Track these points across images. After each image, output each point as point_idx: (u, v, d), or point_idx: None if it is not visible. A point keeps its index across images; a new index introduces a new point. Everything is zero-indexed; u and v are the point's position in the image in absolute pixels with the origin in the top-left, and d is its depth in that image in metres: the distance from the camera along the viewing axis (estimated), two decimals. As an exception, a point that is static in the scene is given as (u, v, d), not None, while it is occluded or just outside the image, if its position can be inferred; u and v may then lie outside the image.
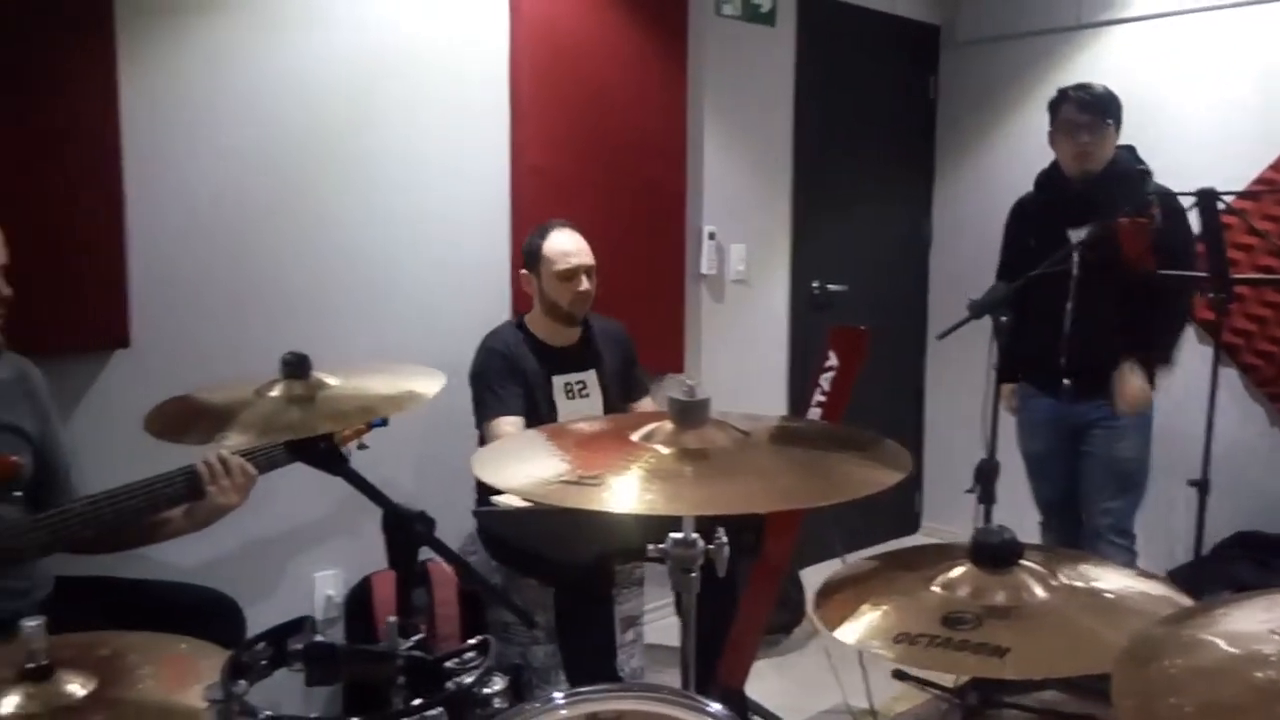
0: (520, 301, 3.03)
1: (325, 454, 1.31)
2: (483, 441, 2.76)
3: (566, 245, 2.76)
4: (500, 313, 3.07)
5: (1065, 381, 2.95)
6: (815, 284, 4.09)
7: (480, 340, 2.80)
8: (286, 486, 2.37)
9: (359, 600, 2.81)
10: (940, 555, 1.25)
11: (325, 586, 2.85)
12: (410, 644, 1.17)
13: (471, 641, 1.16)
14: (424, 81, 2.90)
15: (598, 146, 3.24)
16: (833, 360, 2.32)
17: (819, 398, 2.35)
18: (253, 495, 2.23)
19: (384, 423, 2.43)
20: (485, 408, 2.69)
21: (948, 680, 2.76)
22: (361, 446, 2.40)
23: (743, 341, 3.83)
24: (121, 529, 2.01)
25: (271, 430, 1.28)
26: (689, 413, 1.28)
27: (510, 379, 2.71)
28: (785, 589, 3.39)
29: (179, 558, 2.39)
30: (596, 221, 3.07)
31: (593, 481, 1.19)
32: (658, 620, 3.39)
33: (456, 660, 1.14)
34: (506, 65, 3.06)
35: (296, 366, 1.29)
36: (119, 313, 2.40)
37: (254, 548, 2.68)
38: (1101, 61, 3.90)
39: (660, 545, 1.42)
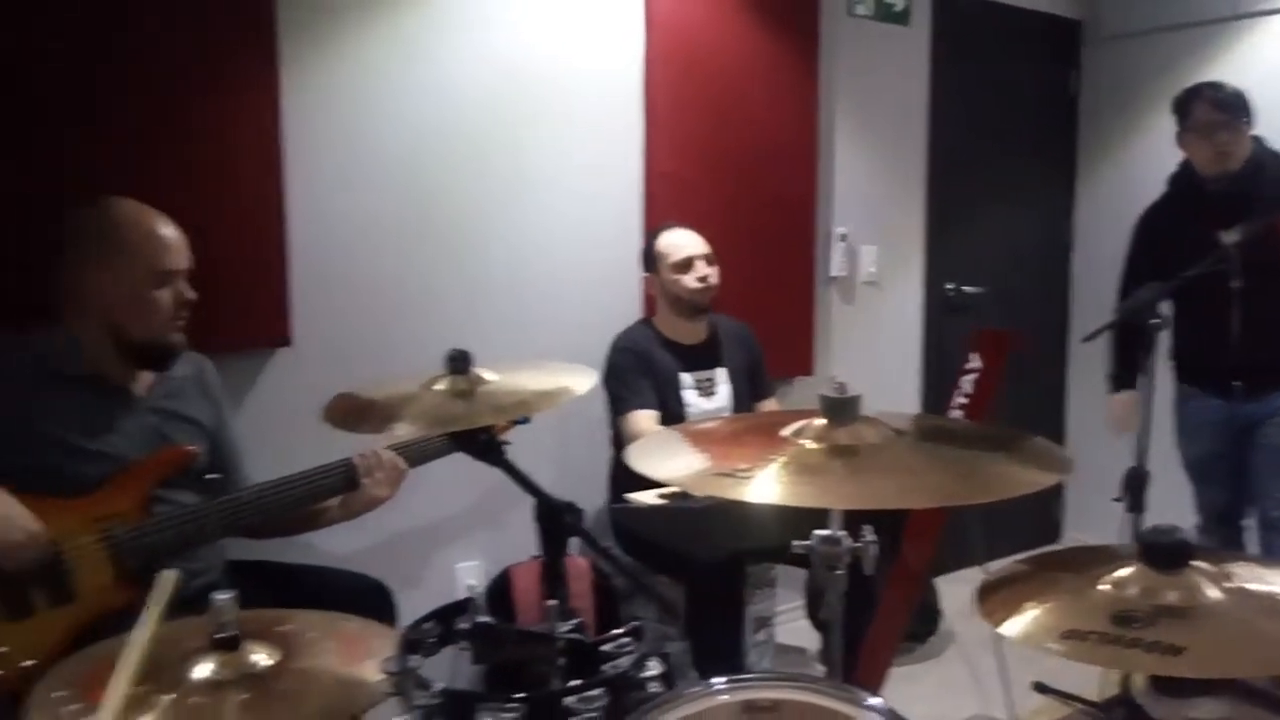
0: (650, 305, 3.08)
1: (485, 445, 1.37)
2: (617, 437, 2.82)
3: (677, 238, 2.85)
4: (631, 315, 3.12)
5: (1236, 383, 2.90)
6: (950, 286, 4.01)
7: (611, 341, 2.87)
8: (433, 480, 2.48)
9: (499, 591, 2.88)
10: (1102, 556, 1.22)
11: (466, 577, 2.95)
12: (569, 627, 1.21)
13: (626, 627, 1.19)
14: (564, 90, 2.98)
15: (728, 150, 3.26)
16: (976, 362, 2.29)
17: (960, 400, 2.32)
18: (401, 488, 2.34)
19: (526, 420, 2.51)
20: (621, 402, 2.76)
21: (1092, 694, 2.66)
22: (504, 443, 2.48)
23: (874, 344, 3.79)
24: (284, 516, 2.14)
25: (437, 422, 1.35)
26: (840, 409, 1.29)
27: (642, 375, 2.78)
28: (922, 595, 3.33)
29: (335, 545, 2.52)
30: (726, 225, 3.10)
31: (745, 474, 1.21)
32: (789, 622, 3.39)
33: (613, 645, 1.17)
34: (641, 73, 3.11)
35: (459, 362, 1.35)
36: (281, 313, 2.55)
37: (401, 538, 2.80)
38: (1261, 53, 3.70)
39: (805, 542, 1.43)
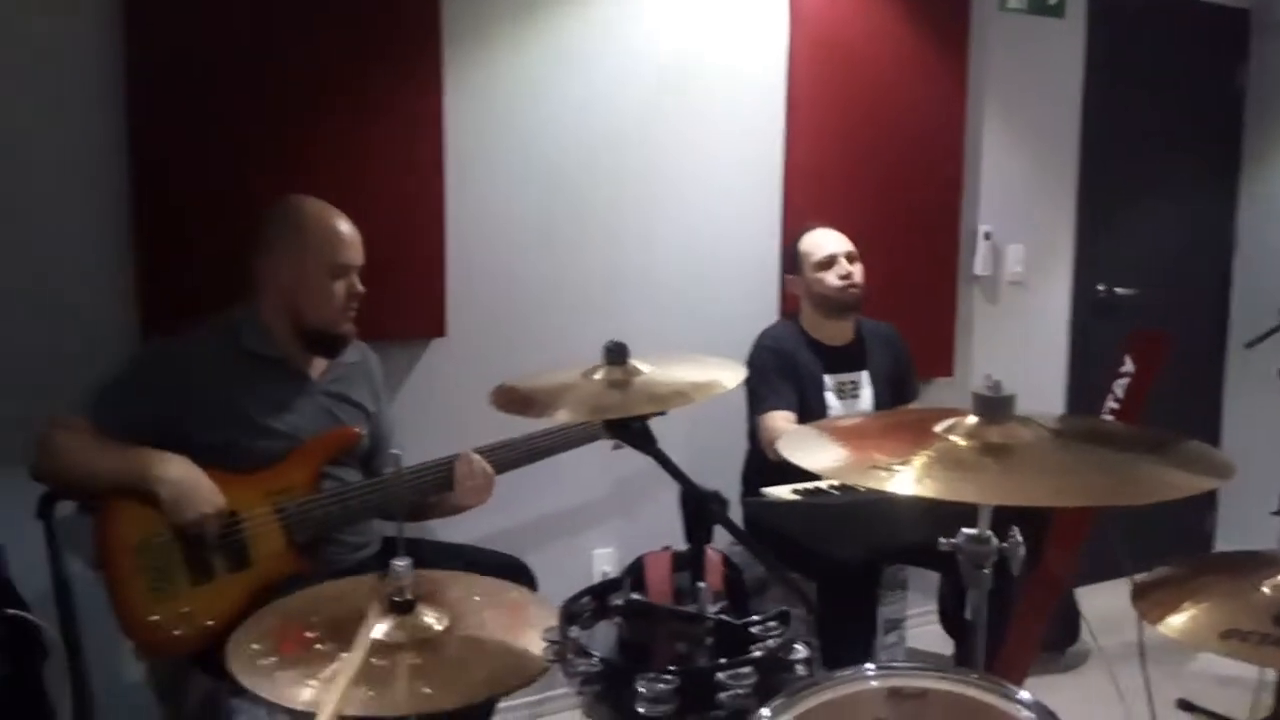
0: (787, 302, 3.10)
1: (638, 433, 1.43)
2: (753, 433, 2.85)
3: (820, 238, 2.84)
4: (768, 311, 3.15)
5: None
6: (1101, 286, 3.87)
7: (754, 337, 2.88)
8: (572, 469, 2.57)
9: (633, 578, 2.97)
10: (1261, 561, 1.19)
11: (601, 563, 3.04)
12: (717, 609, 1.26)
13: (774, 612, 1.23)
14: (707, 87, 3.03)
15: (872, 146, 3.24)
16: (1129, 366, 2.22)
17: (1112, 404, 2.26)
18: (542, 475, 2.44)
19: (663, 412, 2.58)
20: (760, 401, 2.76)
21: (1241, 716, 2.55)
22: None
23: (1018, 345, 3.70)
24: (404, 502, 2.22)
25: (596, 410, 1.43)
26: (993, 408, 1.29)
27: (783, 375, 2.78)
28: (1061, 604, 3.24)
29: (480, 525, 2.64)
30: (868, 222, 3.08)
31: (896, 466, 1.23)
32: (919, 626, 3.35)
33: (760, 628, 1.21)
34: (784, 70, 3.13)
35: (617, 353, 1.42)
36: (437, 306, 2.69)
37: (542, 522, 2.91)
38: None
39: (952, 540, 1.44)
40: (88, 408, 2.02)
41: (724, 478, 2.96)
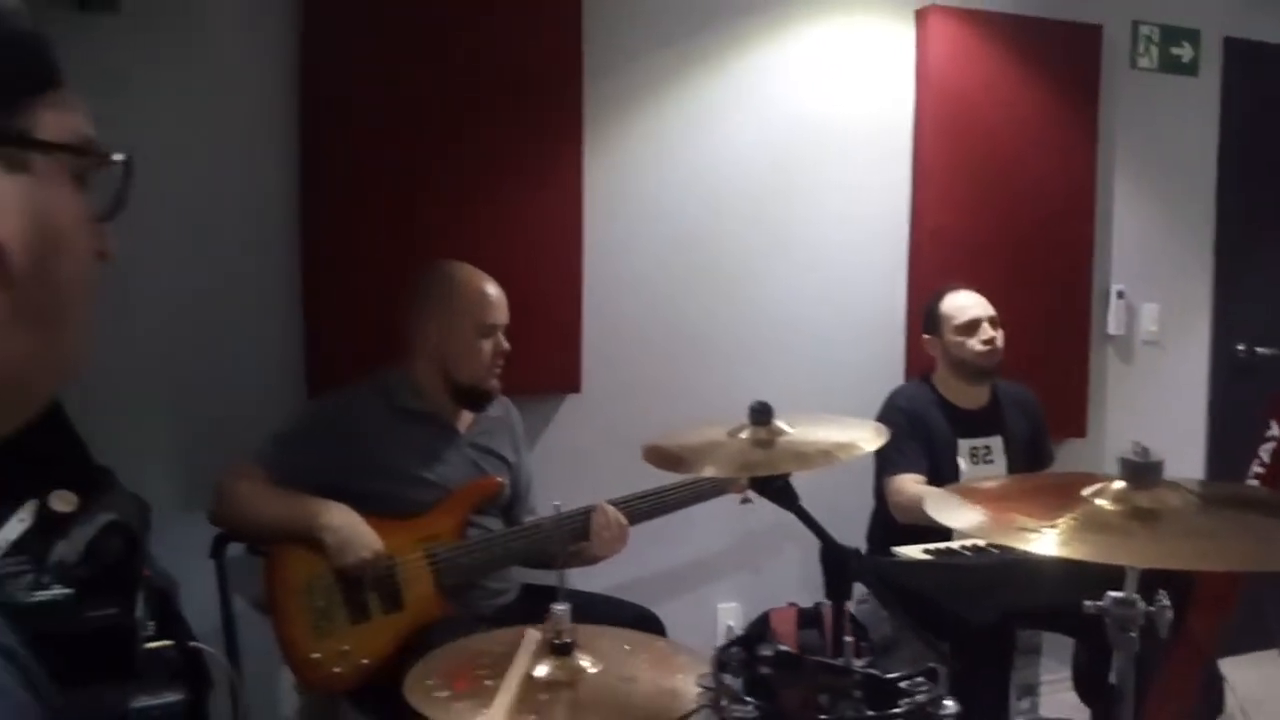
0: (914, 364, 3.11)
1: (781, 490, 1.49)
2: (881, 494, 2.84)
3: (962, 300, 2.82)
4: (894, 371, 3.17)
5: None
6: (1240, 346, 3.75)
7: (879, 396, 2.90)
8: (700, 522, 2.64)
9: (757, 633, 3.00)
10: None
11: (726, 617, 3.07)
12: (864, 663, 1.30)
13: (922, 668, 1.27)
14: (833, 150, 3.11)
15: (1000, 206, 3.25)
16: (1275, 430, 2.17)
17: (1257, 469, 2.21)
18: (671, 527, 2.51)
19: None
20: (889, 464, 2.74)
21: None
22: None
23: (1153, 406, 3.61)
24: (543, 551, 2.32)
25: (742, 467, 1.50)
26: (1141, 473, 1.31)
27: (913, 437, 2.76)
28: (1205, 674, 3.11)
29: (611, 575, 2.71)
30: (997, 281, 3.08)
31: (1042, 527, 1.26)
32: (1052, 694, 3.26)
33: (908, 683, 1.25)
34: (910, 131, 3.19)
35: (762, 414, 1.49)
36: (573, 363, 2.82)
37: (670, 574, 2.97)
38: None
39: (1098, 603, 1.44)
40: (260, 456, 2.19)
41: (849, 538, 2.98)
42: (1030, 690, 3.02)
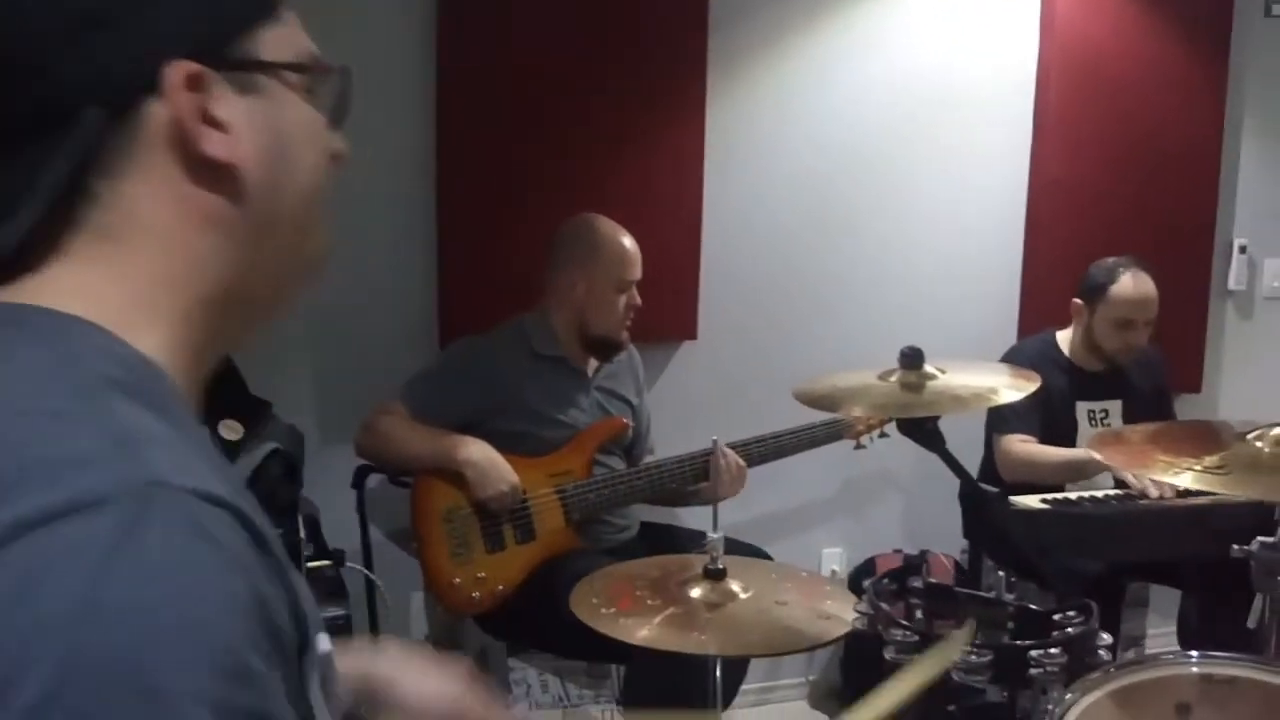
0: (1027, 316, 3.10)
1: (930, 433, 1.53)
2: (991, 451, 2.77)
3: (1133, 294, 2.69)
4: (1006, 324, 3.16)
5: None
6: (1367, 305, 3.63)
7: (989, 351, 2.86)
8: (806, 468, 2.69)
9: (862, 578, 3.05)
10: None
11: (830, 562, 3.14)
12: (1015, 596, 1.35)
13: (1077, 603, 1.31)
14: (953, 98, 3.07)
15: (1123, 157, 3.19)
16: None
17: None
18: (779, 473, 2.57)
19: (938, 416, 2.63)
20: (1002, 421, 2.68)
21: None
22: (883, 434, 2.61)
23: (1274, 363, 3.53)
24: (663, 490, 2.43)
25: (892, 408, 1.55)
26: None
27: (1030, 396, 2.73)
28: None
29: (721, 519, 2.79)
30: (1115, 233, 3.04)
31: (1220, 470, 1.28)
32: (1157, 648, 3.26)
33: (1061, 615, 1.30)
34: (1033, 81, 3.14)
35: (913, 358, 1.53)
36: (690, 311, 2.88)
37: (776, 516, 3.04)
38: None
39: (1246, 547, 1.46)
40: (404, 396, 2.31)
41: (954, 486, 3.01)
42: (1136, 642, 3.03)
